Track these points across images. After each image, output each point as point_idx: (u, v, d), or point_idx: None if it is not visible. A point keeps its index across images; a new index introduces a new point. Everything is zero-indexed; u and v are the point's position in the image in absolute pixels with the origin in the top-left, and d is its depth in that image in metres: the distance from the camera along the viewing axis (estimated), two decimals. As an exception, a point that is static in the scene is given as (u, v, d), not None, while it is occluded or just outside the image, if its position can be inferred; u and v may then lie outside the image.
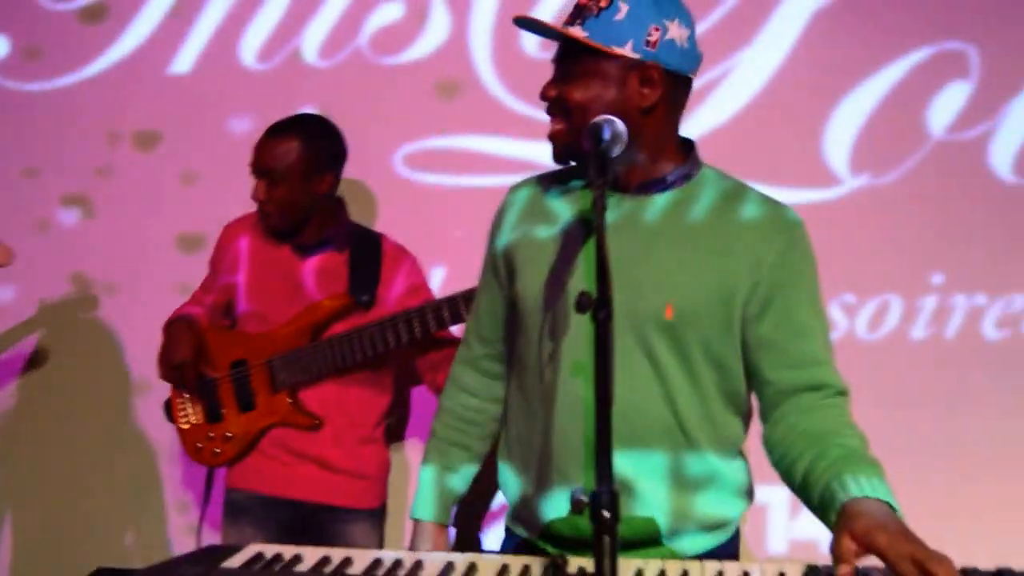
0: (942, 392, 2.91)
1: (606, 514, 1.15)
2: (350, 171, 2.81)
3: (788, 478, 1.63)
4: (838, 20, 2.94)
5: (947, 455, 2.91)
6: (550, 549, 1.70)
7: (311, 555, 1.49)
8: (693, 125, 2.60)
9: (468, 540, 3.03)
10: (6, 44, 3.45)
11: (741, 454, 1.78)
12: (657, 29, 1.62)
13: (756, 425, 1.77)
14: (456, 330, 2.54)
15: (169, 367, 2.62)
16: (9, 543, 3.42)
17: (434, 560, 1.49)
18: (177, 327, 2.65)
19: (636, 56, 1.62)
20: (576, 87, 1.64)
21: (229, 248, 2.74)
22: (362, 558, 1.48)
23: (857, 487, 1.44)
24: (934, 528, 2.74)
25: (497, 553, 1.72)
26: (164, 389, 2.82)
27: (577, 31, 1.63)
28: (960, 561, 1.33)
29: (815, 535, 2.79)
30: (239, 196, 2.74)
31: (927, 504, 2.84)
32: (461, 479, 1.91)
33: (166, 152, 3.32)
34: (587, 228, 1.68)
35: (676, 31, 1.64)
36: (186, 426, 2.74)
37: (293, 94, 3.17)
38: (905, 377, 2.91)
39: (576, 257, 1.68)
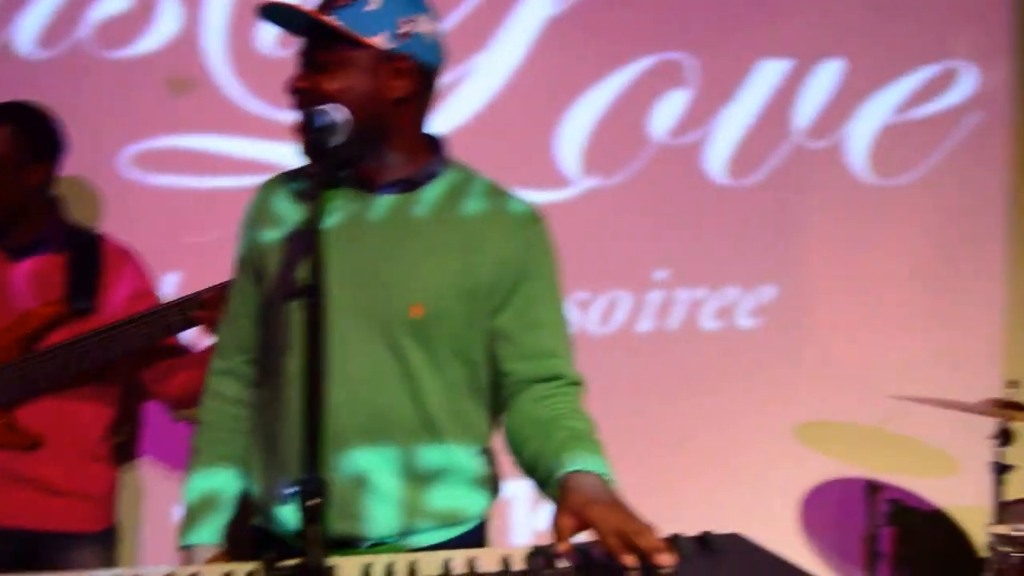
0: (666, 379, 3.11)
1: (312, 502, 1.13)
2: (72, 170, 2.64)
3: (521, 464, 1.67)
4: (568, 29, 3.06)
5: (671, 435, 3.12)
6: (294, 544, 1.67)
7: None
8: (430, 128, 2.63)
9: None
10: None
11: (488, 448, 1.79)
12: (408, 21, 1.62)
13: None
14: (187, 337, 2.44)
15: None
16: None
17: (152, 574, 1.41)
18: None
19: (389, 47, 1.61)
20: (328, 78, 1.60)
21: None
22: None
23: (574, 463, 1.50)
24: (658, 500, 2.92)
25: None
26: None
27: (330, 19, 1.59)
28: (674, 528, 1.41)
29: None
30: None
31: (652, 479, 3.03)
32: (232, 494, 1.78)
33: None
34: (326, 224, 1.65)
35: (426, 25, 1.65)
36: None
37: (5, 88, 2.93)
38: (633, 367, 3.08)
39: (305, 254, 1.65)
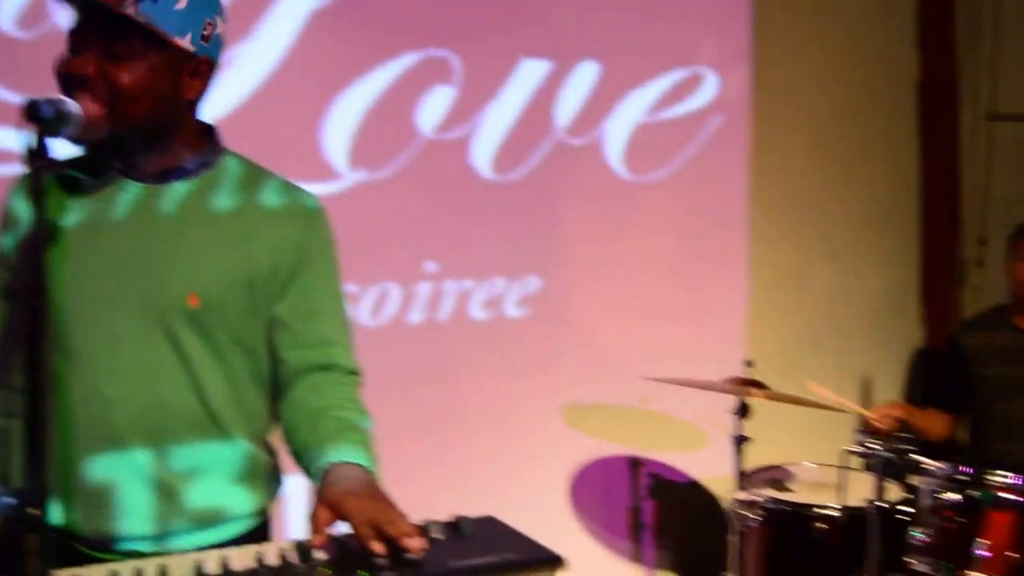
0: (438, 369, 3.18)
1: (33, 512, 1.10)
2: None
3: (292, 455, 1.67)
4: (333, 21, 3.06)
5: (444, 424, 3.20)
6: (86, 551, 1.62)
7: None
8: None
9: None
10: None
11: (268, 441, 1.77)
12: (211, 24, 1.60)
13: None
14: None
15: None
16: None
17: None
18: None
19: (192, 49, 1.57)
20: (126, 71, 1.53)
21: None
22: None
23: (336, 454, 1.52)
24: (434, 487, 2.99)
25: None
26: None
27: (135, 13, 1.51)
28: (448, 513, 1.47)
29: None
30: None
31: (428, 468, 3.11)
32: None
33: None
34: (75, 220, 1.60)
35: (220, 25, 1.63)
36: None
37: None
38: (406, 358, 3.14)
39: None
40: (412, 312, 3.15)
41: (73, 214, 1.63)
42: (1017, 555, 2.46)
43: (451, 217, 3.17)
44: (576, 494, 3.46)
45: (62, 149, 1.51)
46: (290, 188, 1.73)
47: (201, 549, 1.55)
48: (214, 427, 1.65)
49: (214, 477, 1.68)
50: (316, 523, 1.40)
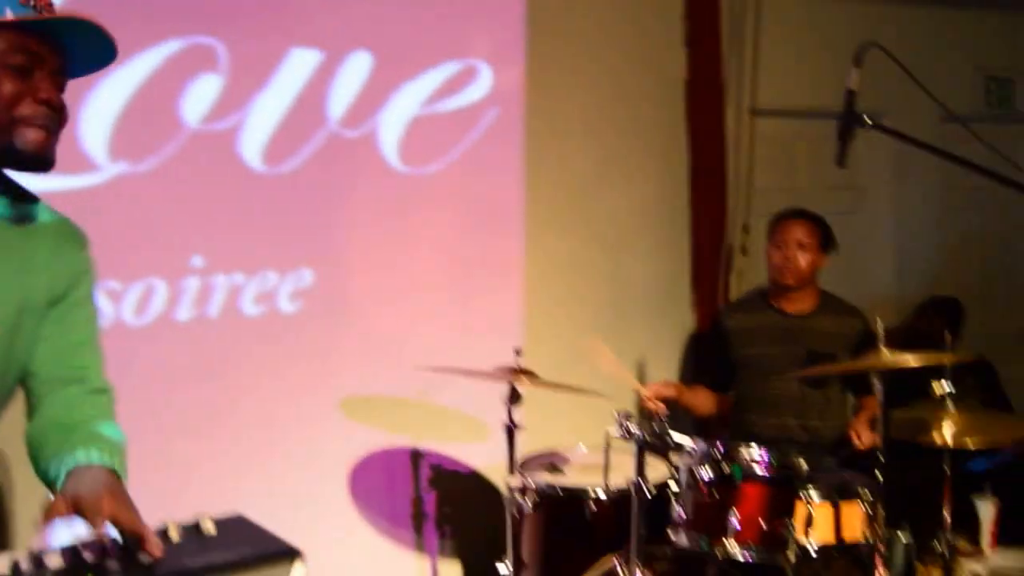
0: (211, 367, 3.09)
1: None
2: None
3: (39, 472, 1.63)
4: (92, 5, 2.89)
5: (221, 423, 3.12)
6: None
7: None
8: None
9: None
10: None
11: None
12: None
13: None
14: None
15: None
16: None
17: None
18: None
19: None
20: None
21: None
22: None
23: (85, 456, 1.52)
24: (210, 487, 2.90)
25: None
26: None
27: None
28: (221, 508, 1.44)
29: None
30: None
31: (202, 468, 3.03)
32: None
33: None
34: None
35: None
36: None
37: None
38: (175, 357, 3.03)
39: None
40: (180, 309, 3.04)
41: None
42: (767, 524, 2.62)
43: (220, 210, 3.09)
44: (357, 487, 3.45)
45: None
46: (57, 213, 1.72)
47: None
48: None
49: None
50: (49, 512, 1.39)
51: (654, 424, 2.58)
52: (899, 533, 2.87)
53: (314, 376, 3.29)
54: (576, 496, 2.88)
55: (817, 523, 2.63)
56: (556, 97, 3.78)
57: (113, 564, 1.30)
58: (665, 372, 4.16)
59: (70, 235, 1.71)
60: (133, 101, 2.95)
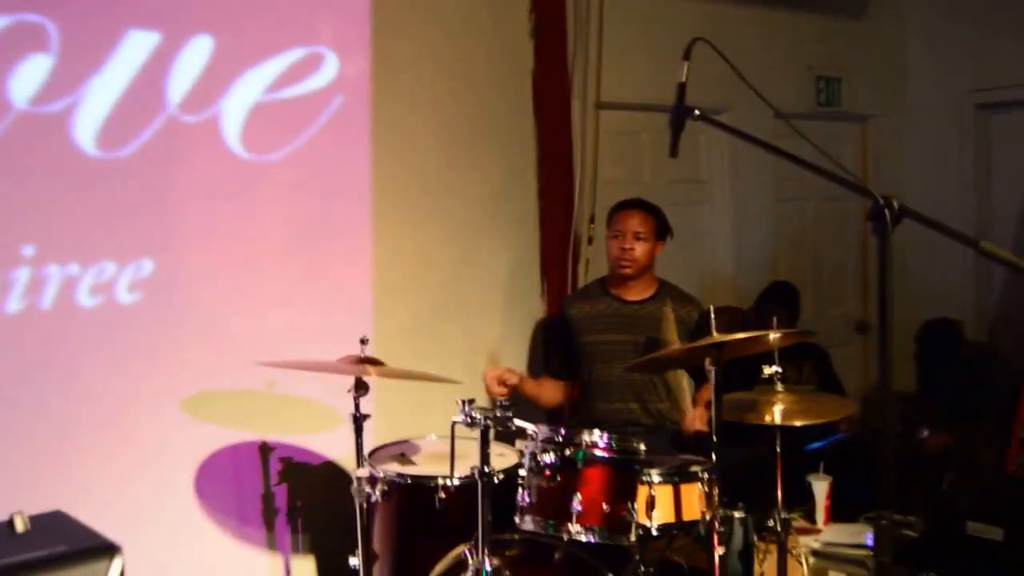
0: (44, 361, 2.96)
1: None
2: None
3: None
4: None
5: (54, 421, 2.99)
6: None
7: None
8: None
9: None
10: None
11: None
12: None
13: None
14: None
15: None
16: None
17: None
18: None
19: None
20: None
21: None
22: None
23: None
24: (43, 488, 2.78)
25: None
26: None
27: None
28: (53, 507, 1.38)
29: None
30: None
31: (38, 467, 2.89)
32: None
33: None
34: None
35: None
36: None
37: None
38: (5, 352, 2.89)
39: None
40: (8, 300, 2.90)
41: None
42: (610, 506, 2.67)
43: (51, 196, 2.95)
44: (203, 487, 3.35)
45: None
46: None
47: None
48: None
49: None
50: None
51: (496, 409, 2.60)
52: (735, 512, 2.98)
53: (154, 371, 3.19)
54: (424, 485, 2.88)
55: (658, 504, 2.71)
56: (403, 84, 3.77)
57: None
58: (516, 360, 4.21)
59: None
60: (-46, 81, 2.79)
